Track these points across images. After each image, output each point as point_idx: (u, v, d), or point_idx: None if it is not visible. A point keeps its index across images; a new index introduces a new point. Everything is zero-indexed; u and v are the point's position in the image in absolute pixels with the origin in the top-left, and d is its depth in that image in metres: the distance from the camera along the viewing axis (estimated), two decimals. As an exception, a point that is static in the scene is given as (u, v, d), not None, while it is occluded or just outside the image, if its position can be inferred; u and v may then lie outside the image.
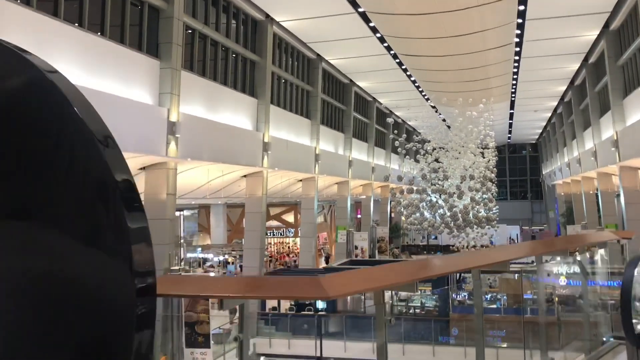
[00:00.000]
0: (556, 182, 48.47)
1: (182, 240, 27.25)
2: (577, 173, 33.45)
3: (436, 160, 21.70)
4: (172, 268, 14.79)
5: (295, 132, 24.63)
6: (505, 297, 20.97)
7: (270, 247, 41.90)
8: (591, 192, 32.54)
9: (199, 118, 16.35)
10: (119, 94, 13.11)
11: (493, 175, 22.31)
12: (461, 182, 20.19)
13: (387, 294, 21.07)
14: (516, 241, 48.76)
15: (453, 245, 31.58)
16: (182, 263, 26.52)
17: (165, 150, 14.58)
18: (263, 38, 20.79)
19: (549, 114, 45.54)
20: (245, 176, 20.97)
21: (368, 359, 19.63)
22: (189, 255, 29.60)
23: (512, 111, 42.00)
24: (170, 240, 14.81)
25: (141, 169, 15.26)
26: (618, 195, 29.57)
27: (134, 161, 14.43)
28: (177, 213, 28.03)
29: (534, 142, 68.34)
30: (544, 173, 63.79)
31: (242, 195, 21.93)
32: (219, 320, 21.12)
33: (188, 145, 15.39)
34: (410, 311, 20.36)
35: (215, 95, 17.99)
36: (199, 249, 31.30)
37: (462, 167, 21.43)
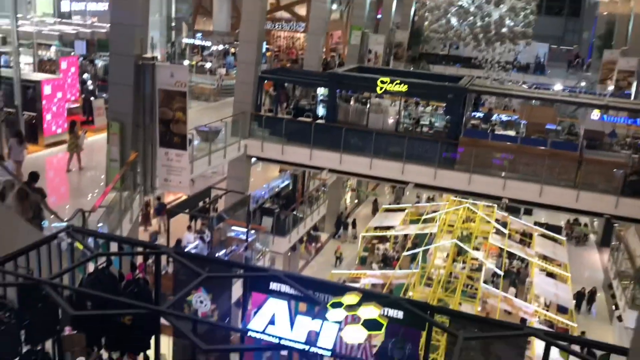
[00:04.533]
0: (602, -1, 43.29)
1: (173, 23, 24.35)
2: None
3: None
4: (144, 56, 12.52)
5: None
6: (525, 123, 19.12)
7: (280, 40, 39.04)
8: (644, 14, 28.59)
9: None
10: None
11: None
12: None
13: (394, 108, 19.06)
14: (542, 60, 45.35)
15: (475, 58, 28.86)
16: (173, 48, 24.15)
17: None
18: None
19: None
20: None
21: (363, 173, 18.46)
22: (185, 40, 26.90)
23: None
24: (141, 21, 12.29)
25: None
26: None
27: None
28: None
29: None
30: (589, -13, 57.40)
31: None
32: (207, 116, 19.48)
33: None
34: (418, 129, 18.53)
35: None
36: (199, 34, 28.51)
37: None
